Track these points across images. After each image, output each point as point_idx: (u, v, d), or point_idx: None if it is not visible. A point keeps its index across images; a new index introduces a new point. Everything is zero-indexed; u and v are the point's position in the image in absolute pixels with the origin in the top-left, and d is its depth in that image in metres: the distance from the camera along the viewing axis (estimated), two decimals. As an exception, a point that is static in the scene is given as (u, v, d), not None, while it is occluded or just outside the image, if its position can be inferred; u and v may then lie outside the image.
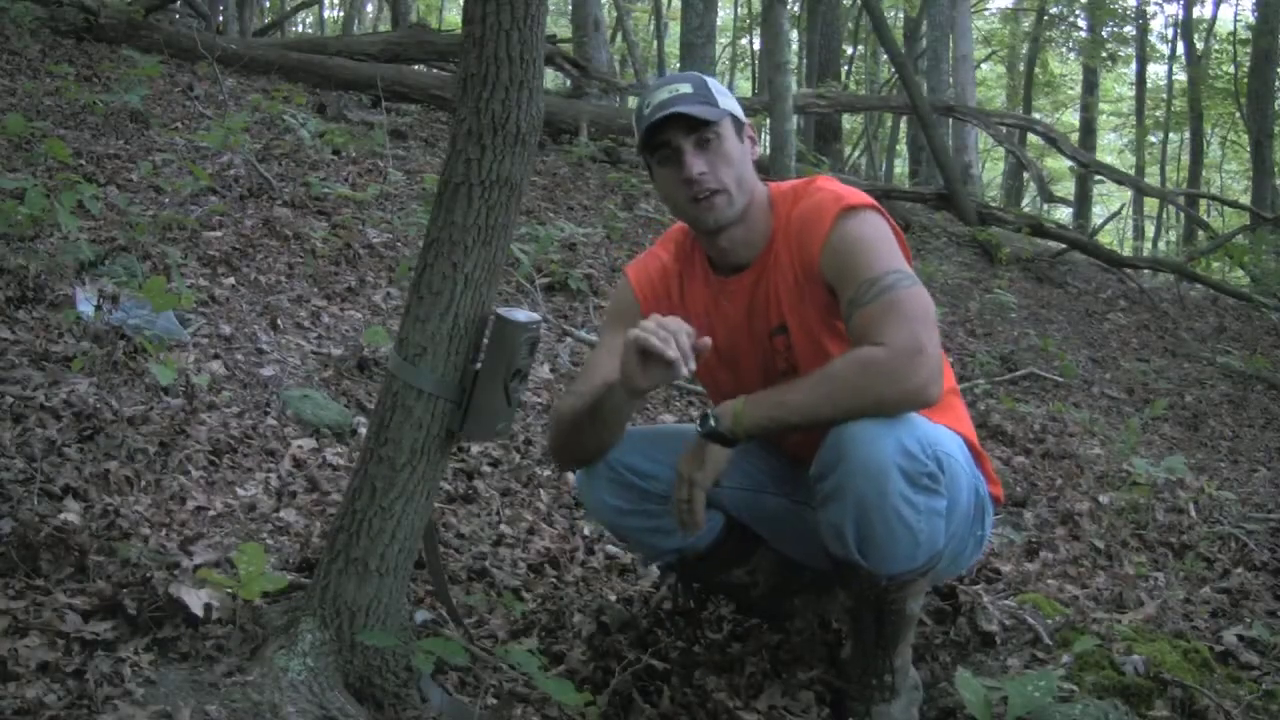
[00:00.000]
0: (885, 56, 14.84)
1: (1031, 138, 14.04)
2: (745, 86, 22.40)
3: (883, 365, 1.70)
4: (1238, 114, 17.29)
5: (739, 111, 1.91)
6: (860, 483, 1.70)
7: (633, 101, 11.19)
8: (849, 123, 18.77)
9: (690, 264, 2.04)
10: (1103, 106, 22.09)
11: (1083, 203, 18.20)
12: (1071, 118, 23.51)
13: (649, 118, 1.84)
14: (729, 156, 1.86)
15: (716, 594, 2.32)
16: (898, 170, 18.16)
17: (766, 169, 6.44)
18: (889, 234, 1.86)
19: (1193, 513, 3.43)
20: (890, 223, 1.88)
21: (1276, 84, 12.76)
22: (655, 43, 17.27)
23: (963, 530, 1.90)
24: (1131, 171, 18.62)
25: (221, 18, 11.31)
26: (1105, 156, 23.13)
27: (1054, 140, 9.79)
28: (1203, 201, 18.16)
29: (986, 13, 22.00)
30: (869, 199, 1.88)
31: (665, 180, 1.90)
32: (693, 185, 1.85)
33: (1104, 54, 18.61)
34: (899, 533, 1.72)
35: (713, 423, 1.81)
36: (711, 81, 1.91)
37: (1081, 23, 19.20)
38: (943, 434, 1.80)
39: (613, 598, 2.39)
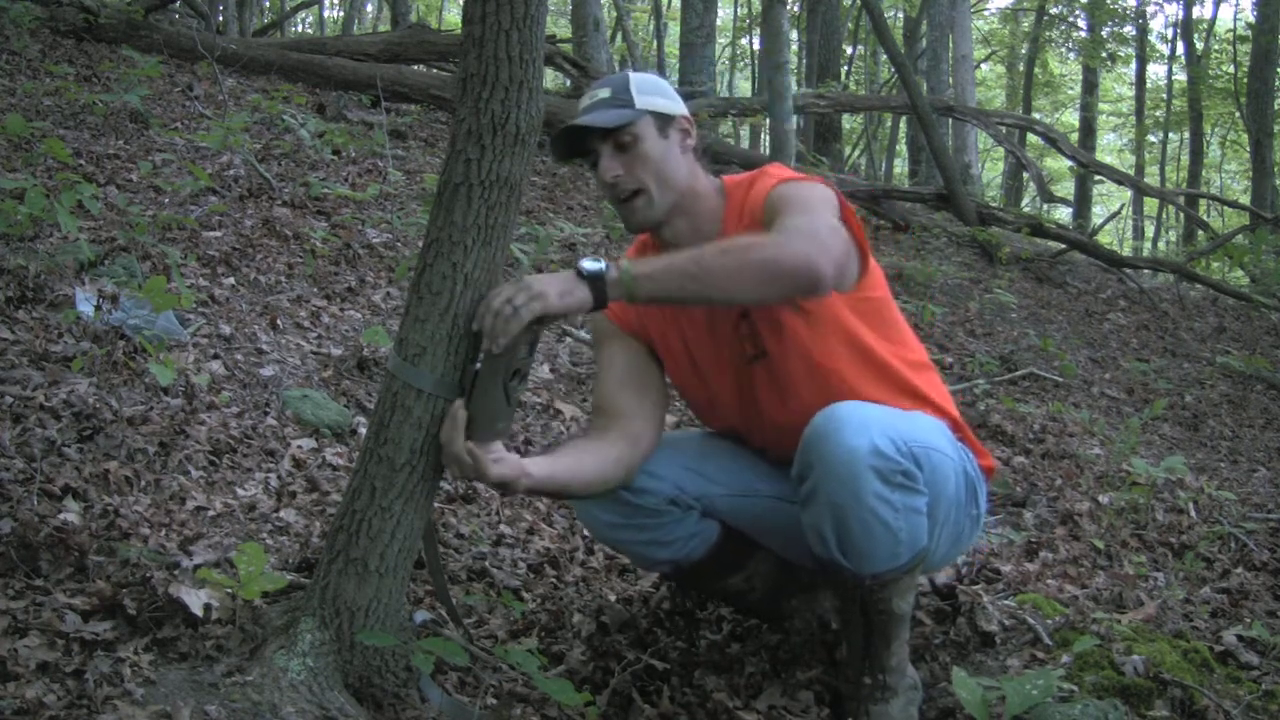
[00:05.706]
0: (885, 56, 14.83)
1: (1031, 138, 14.03)
2: (745, 86, 22.40)
3: (771, 239, 1.72)
4: (1238, 114, 17.27)
5: (666, 106, 1.90)
6: (834, 485, 1.70)
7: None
8: (849, 123, 18.77)
9: None
10: (1103, 106, 22.08)
11: (1083, 203, 18.17)
12: (1071, 118, 23.49)
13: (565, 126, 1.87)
14: (646, 156, 1.87)
15: (714, 599, 2.32)
16: (898, 170, 18.13)
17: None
18: (831, 199, 1.86)
19: (1192, 513, 3.43)
20: (841, 200, 1.88)
21: (1276, 84, 12.75)
22: (655, 43, 17.26)
23: (956, 515, 1.90)
24: (1131, 171, 18.62)
25: (221, 18, 11.31)
26: (1105, 156, 23.13)
27: (1054, 140, 9.77)
28: (1203, 201, 18.13)
29: (986, 13, 21.99)
30: (821, 179, 1.90)
31: (597, 183, 1.93)
32: (611, 189, 1.89)
33: (1104, 54, 18.58)
34: (877, 533, 1.72)
35: (601, 266, 1.68)
36: (636, 79, 1.92)
37: (1081, 23, 19.20)
38: (921, 425, 1.80)
39: (612, 598, 2.39)
